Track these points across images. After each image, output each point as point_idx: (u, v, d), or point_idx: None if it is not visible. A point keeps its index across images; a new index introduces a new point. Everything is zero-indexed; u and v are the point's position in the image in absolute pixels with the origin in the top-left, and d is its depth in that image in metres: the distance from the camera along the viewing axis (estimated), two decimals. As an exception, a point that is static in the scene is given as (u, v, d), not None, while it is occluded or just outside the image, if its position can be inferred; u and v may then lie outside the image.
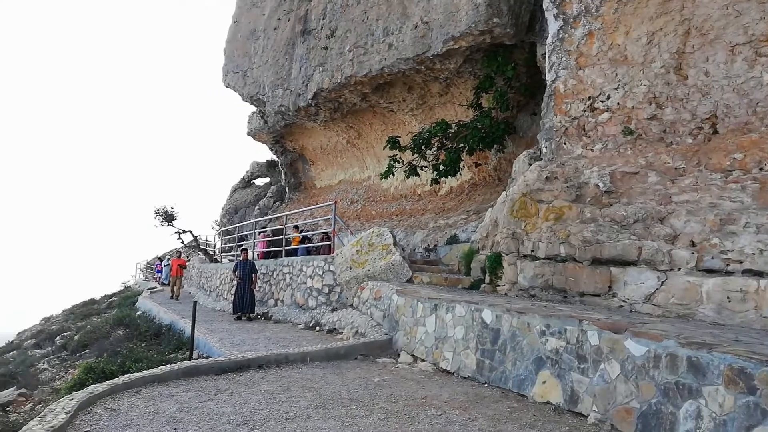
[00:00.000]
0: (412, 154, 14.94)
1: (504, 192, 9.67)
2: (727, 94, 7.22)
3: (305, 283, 11.39)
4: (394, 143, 15.16)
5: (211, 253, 23.87)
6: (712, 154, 7.20)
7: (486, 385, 5.93)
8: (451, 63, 14.43)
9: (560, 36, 9.24)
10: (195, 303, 9.12)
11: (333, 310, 10.26)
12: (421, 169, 15.19)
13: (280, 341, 9.00)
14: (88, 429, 4.61)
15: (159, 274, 27.55)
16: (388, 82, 16.96)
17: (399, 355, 7.56)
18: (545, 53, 10.16)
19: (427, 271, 10.48)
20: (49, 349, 16.15)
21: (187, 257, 23.54)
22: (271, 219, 22.10)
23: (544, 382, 5.22)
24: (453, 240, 13.25)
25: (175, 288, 18.94)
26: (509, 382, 5.65)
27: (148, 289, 22.87)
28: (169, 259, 26.56)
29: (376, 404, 5.30)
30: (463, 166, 15.25)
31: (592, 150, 8.65)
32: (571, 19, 9.05)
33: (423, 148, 14.71)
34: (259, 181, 36.05)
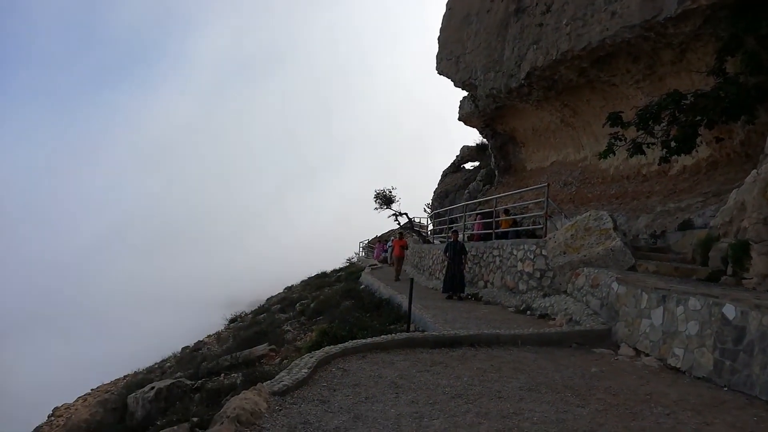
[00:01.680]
0: (637, 131, 13.54)
1: (755, 170, 8.26)
2: None
3: (515, 266, 11.27)
4: (615, 119, 13.89)
5: (424, 234, 25.00)
6: None
7: (725, 389, 5.23)
8: (687, 26, 12.69)
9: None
10: (412, 280, 9.72)
11: (545, 295, 9.98)
12: (648, 147, 13.67)
13: (490, 322, 9.09)
14: (325, 384, 5.30)
15: (385, 254, 27.90)
16: (609, 54, 15.65)
17: (618, 346, 7.08)
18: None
19: (653, 259, 9.48)
20: (291, 313, 18.76)
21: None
22: (480, 201, 22.19)
23: (806, 393, 4.40)
24: (686, 225, 11.73)
25: (398, 268, 18.35)
26: (756, 388, 4.89)
27: (370, 266, 24.91)
28: (392, 239, 27.69)
29: (593, 395, 5.08)
30: (701, 142, 13.33)
31: None
32: None
33: (650, 123, 13.20)
34: (469, 166, 36.51)
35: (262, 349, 11.65)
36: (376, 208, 23.64)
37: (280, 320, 17.27)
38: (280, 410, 4.54)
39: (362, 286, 18.03)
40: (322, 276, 29.52)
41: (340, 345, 6.71)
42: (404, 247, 18.87)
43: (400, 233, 21.30)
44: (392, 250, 24.26)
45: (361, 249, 41.15)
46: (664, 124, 13.27)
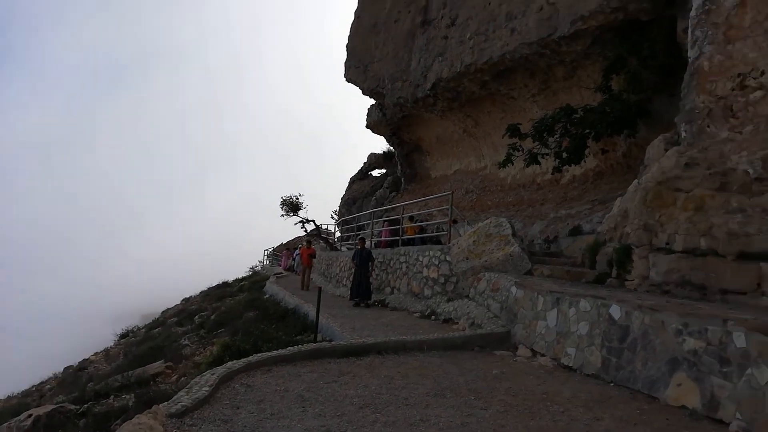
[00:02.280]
0: (533, 142, 14.38)
1: (636, 180, 8.99)
2: None
3: (421, 272, 11.47)
4: (514, 131, 14.68)
5: (331, 241, 24.89)
6: None
7: (612, 385, 5.58)
8: (579, 44, 13.66)
9: (706, 8, 8.36)
10: (320, 289, 9.58)
11: (449, 300, 10.23)
12: (542, 157, 14.59)
13: (397, 328, 9.16)
14: (228, 402, 5.03)
15: (292, 262, 26.98)
16: (508, 69, 16.48)
17: (517, 348, 7.37)
18: (687, 28, 9.25)
19: (547, 264, 10.06)
20: (189, 327, 17.82)
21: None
22: (387, 209, 22.50)
23: (680, 384, 4.80)
24: (576, 231, 12.58)
25: (306, 277, 17.61)
26: (638, 382, 5.26)
27: (275, 274, 24.36)
28: (299, 248, 27.05)
29: (495, 396, 5.22)
30: (589, 153, 14.40)
31: (740, 133, 7.73)
32: (719, -12, 8.14)
33: (545, 135, 14.10)
34: (376, 173, 36.94)
35: (157, 366, 10.91)
36: (282, 215, 23.25)
37: (178, 334, 16.36)
38: (178, 433, 4.24)
39: (267, 296, 17.59)
40: (224, 286, 28.47)
41: (243, 359, 6.43)
42: (312, 255, 18.45)
43: (308, 241, 20.77)
44: (300, 259, 23.90)
45: (265, 257, 40.23)
46: (557, 136, 14.20)
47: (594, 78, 14.51)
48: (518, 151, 14.63)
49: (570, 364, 6.31)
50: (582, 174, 16.32)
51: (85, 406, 9.33)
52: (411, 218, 16.13)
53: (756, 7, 7.75)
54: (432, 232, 15.44)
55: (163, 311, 28.90)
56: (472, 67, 17.25)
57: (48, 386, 18.71)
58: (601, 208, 12.97)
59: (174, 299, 33.19)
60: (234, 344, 8.79)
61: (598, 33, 13.18)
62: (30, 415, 8.90)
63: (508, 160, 14.76)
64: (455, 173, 24.68)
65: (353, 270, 13.15)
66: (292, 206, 22.91)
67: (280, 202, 23.07)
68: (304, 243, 21.19)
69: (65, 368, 21.57)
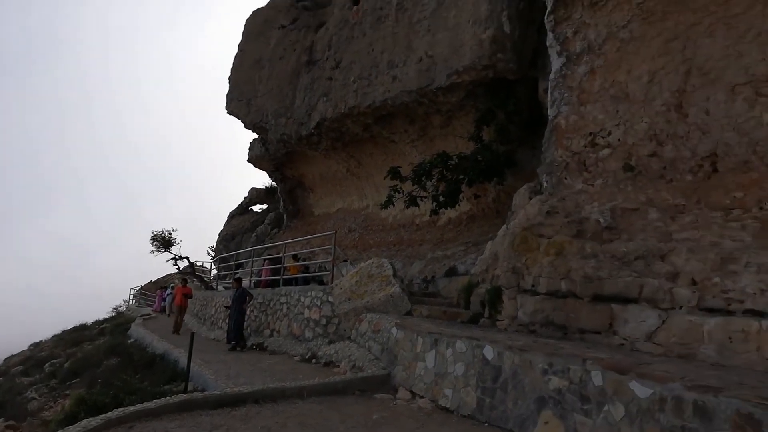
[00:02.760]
0: (412, 185, 15.00)
1: (504, 225, 9.67)
2: (727, 133, 7.27)
3: (302, 313, 11.27)
4: (395, 173, 15.24)
5: (207, 280, 23.70)
6: (712, 192, 7.22)
7: (486, 425, 5.81)
8: (454, 96, 14.60)
9: (563, 72, 9.36)
10: (192, 334, 9.00)
11: (330, 342, 10.12)
12: (421, 200, 15.23)
13: (277, 374, 8.85)
14: (79, 465, 4.50)
15: (164, 303, 25.10)
16: (390, 114, 17.13)
17: (397, 390, 7.44)
18: (547, 89, 10.26)
19: (426, 304, 10.38)
20: (38, 376, 15.81)
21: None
22: (268, 247, 21.99)
23: (547, 422, 5.12)
24: (452, 272, 13.18)
25: (179, 320, 16.43)
26: (510, 421, 5.54)
27: (142, 315, 22.57)
28: (172, 287, 25.32)
29: (375, 443, 5.19)
30: (463, 198, 15.29)
31: (592, 185, 8.67)
32: (574, 56, 9.18)
33: (423, 178, 14.79)
34: (258, 208, 36.10)
35: (-5, 425, 9.50)
36: (152, 252, 21.75)
37: (23, 385, 14.44)
38: None
39: (132, 340, 16.19)
40: (81, 329, 25.79)
41: (101, 416, 5.80)
42: (188, 295, 17.13)
43: (184, 279, 19.49)
44: (172, 299, 22.36)
45: (132, 296, 37.20)
46: (434, 180, 14.95)
47: (467, 128, 15.55)
48: (399, 192, 15.17)
49: (447, 406, 6.48)
50: (457, 217, 17.22)
51: None
52: (294, 257, 15.89)
53: (603, 75, 8.84)
54: (315, 271, 15.30)
55: (5, 358, 25.36)
56: (355, 110, 17.70)
57: None
58: (474, 249, 13.74)
59: (20, 344, 29.32)
60: (91, 397, 7.90)
61: (471, 87, 14.21)
62: None
63: (389, 202, 15.22)
64: (338, 211, 24.85)
65: (229, 311, 12.59)
66: (164, 242, 21.53)
67: (150, 238, 21.59)
68: (179, 281, 19.85)
69: None
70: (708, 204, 7.13)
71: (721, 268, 6.25)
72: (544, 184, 9.52)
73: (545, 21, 9.76)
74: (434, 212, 15.52)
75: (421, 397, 6.97)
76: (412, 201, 15.05)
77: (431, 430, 5.68)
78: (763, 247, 6.17)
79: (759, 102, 6.95)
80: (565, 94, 9.38)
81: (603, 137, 8.68)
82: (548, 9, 9.57)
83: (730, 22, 7.26)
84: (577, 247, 7.85)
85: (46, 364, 16.83)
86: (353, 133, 19.25)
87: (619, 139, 8.43)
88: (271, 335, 12.23)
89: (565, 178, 9.12)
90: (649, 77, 8.18)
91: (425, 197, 15.07)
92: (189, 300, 17.44)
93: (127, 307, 33.61)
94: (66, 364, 14.92)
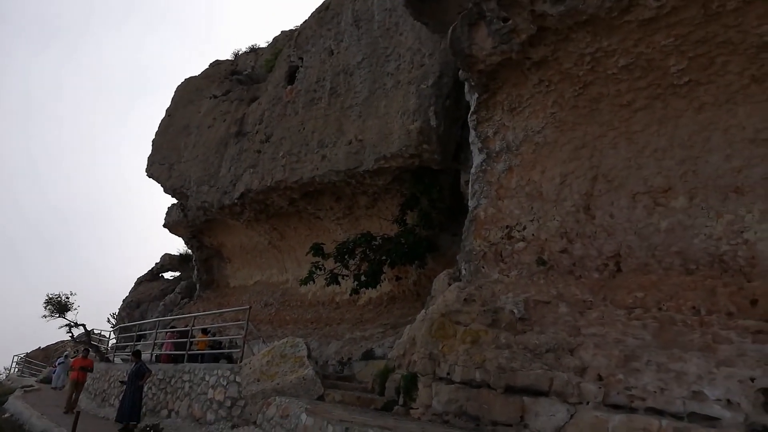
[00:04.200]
0: (335, 262, 14.92)
1: (423, 310, 9.71)
2: (630, 236, 7.86)
3: (206, 393, 10.51)
4: (317, 250, 15.14)
5: (104, 350, 21.81)
6: (617, 291, 7.67)
7: None
8: (381, 180, 14.98)
9: (483, 168, 9.90)
10: (78, 413, 8.09)
11: (233, 426, 9.44)
12: (342, 278, 15.11)
13: (170, 461, 8.07)
14: None
15: (53, 374, 22.36)
16: (317, 190, 17.23)
17: (304, 483, 6.96)
18: (468, 181, 10.77)
19: (340, 388, 10.01)
20: None
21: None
22: (175, 318, 20.72)
23: None
24: (368, 355, 12.92)
25: (73, 397, 14.39)
26: None
27: (23, 387, 20.17)
28: (65, 357, 22.66)
29: None
30: (384, 279, 15.33)
31: (508, 276, 8.98)
32: (494, 154, 9.77)
33: (346, 257, 14.76)
34: (169, 275, 34.31)
35: None
36: (45, 316, 19.82)
37: None
38: None
39: (7, 415, 14.32)
40: (-52, 400, 22.56)
41: None
42: (87, 368, 15.17)
43: (86, 349, 17.30)
44: (62, 369, 20.23)
45: (14, 364, 33.37)
46: (356, 259, 14.96)
47: (392, 210, 15.89)
48: (320, 269, 15.00)
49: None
50: (377, 297, 17.16)
51: None
52: (204, 330, 15.02)
53: (519, 173, 9.43)
54: (226, 347, 14.49)
55: None
56: (282, 184, 17.67)
57: None
58: (392, 332, 13.62)
59: None
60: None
61: (397, 172, 14.68)
62: None
63: (309, 278, 14.98)
64: (255, 284, 24.09)
65: (125, 387, 11.53)
66: (59, 306, 19.72)
67: (44, 301, 19.73)
68: (79, 352, 17.60)
69: None
70: (613, 301, 7.55)
71: (624, 365, 6.54)
72: (463, 272, 9.76)
73: (468, 119, 10.41)
74: (355, 291, 15.39)
75: (328, 491, 6.54)
76: (333, 279, 14.90)
77: None
78: (663, 346, 6.55)
79: (656, 210, 7.63)
80: (485, 188, 9.87)
81: (519, 231, 9.12)
82: (472, 109, 10.26)
83: (632, 137, 8.07)
84: (492, 336, 7.98)
85: None
86: (278, 206, 19.11)
87: (533, 234, 8.89)
88: (169, 416, 11.25)
89: (483, 267, 9.41)
90: (561, 179, 8.82)
91: (347, 275, 14.98)
92: (89, 374, 15.38)
93: (7, 376, 29.94)
94: None
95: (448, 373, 8.11)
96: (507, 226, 9.30)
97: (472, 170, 10.25)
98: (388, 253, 14.36)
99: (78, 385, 14.66)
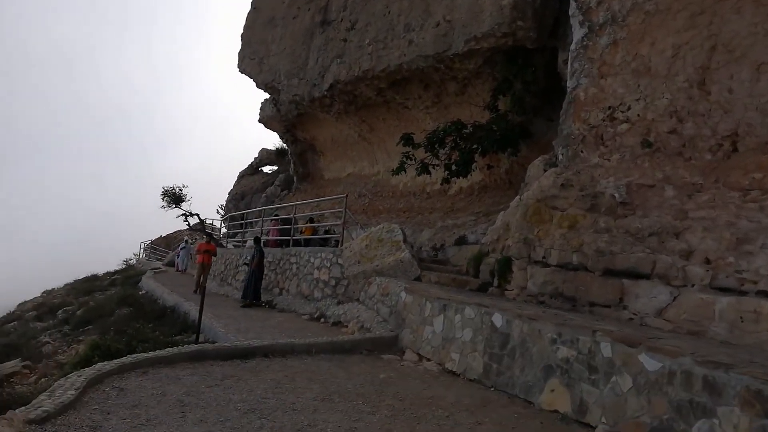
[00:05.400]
0: (425, 152, 14.90)
1: (517, 196, 9.64)
2: (750, 113, 7.13)
3: (312, 274, 11.39)
4: (407, 140, 15.12)
5: (216, 237, 23.87)
6: (731, 172, 7.14)
7: (492, 389, 5.93)
8: (471, 63, 14.36)
9: (584, 43, 9.17)
10: (204, 288, 9.15)
11: (339, 303, 10.26)
12: (433, 168, 15.15)
13: (285, 331, 9.01)
14: (97, 407, 4.63)
15: (178, 260, 24.14)
16: (405, 78, 16.90)
17: (404, 352, 7.57)
18: (567, 59, 10.08)
19: (435, 271, 10.45)
20: (51, 322, 16.15)
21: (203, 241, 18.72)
22: (278, 207, 22.05)
23: (553, 390, 5.21)
24: (461, 241, 13.21)
25: (202, 279, 14.97)
26: (516, 387, 5.64)
27: (152, 269, 22.84)
28: (185, 242, 24.28)
29: (383, 401, 5.31)
30: (475, 168, 15.19)
31: (608, 160, 8.59)
32: (597, 27, 8.97)
33: (436, 146, 14.66)
34: (268, 169, 36.09)
35: (12, 365, 9.74)
36: (162, 207, 21.87)
37: (37, 330, 14.78)
38: (38, 443, 3.83)
39: (143, 292, 16.43)
40: (93, 279, 26.16)
41: (116, 360, 5.96)
42: (211, 252, 15.67)
43: (209, 235, 18.83)
44: (184, 254, 22.44)
45: (142, 250, 37.61)
46: (447, 148, 14.83)
47: (483, 96, 15.34)
48: (411, 159, 15.08)
49: (454, 369, 6.59)
50: (468, 186, 17.16)
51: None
52: (311, 219, 15.97)
53: (625, 48, 8.65)
54: (322, 234, 15.38)
55: (19, 304, 25.87)
56: (369, 73, 17.46)
57: None
58: (484, 220, 13.73)
59: (33, 291, 29.86)
60: (105, 343, 8.09)
61: (489, 54, 13.96)
62: None
63: (401, 168, 15.14)
64: (348, 176, 24.81)
65: (247, 269, 12.67)
66: (174, 198, 21.62)
67: (161, 193, 21.69)
68: (203, 237, 19.15)
69: None
70: (726, 183, 7.06)
71: (736, 248, 6.24)
72: (560, 157, 9.45)
73: (569, -11, 9.51)
74: (446, 181, 15.45)
75: (428, 359, 7.09)
76: (423, 168, 14.97)
77: (438, 391, 5.79)
78: (780, 228, 6.15)
79: (786, 82, 6.80)
80: (586, 66, 9.21)
81: (622, 111, 8.55)
82: (574, -24, 9.33)
83: (760, -1, 7.05)
84: (591, 221, 7.84)
85: (59, 311, 17.15)
86: (366, 97, 19.05)
87: (638, 114, 8.30)
88: (281, 294, 12.41)
89: (582, 152, 9.04)
90: (673, 52, 8.00)
91: (437, 165, 14.99)
92: (214, 258, 16.10)
93: (137, 261, 33.97)
94: (78, 312, 15.20)
95: (543, 257, 8.18)
96: (609, 107, 8.73)
97: (572, 47, 9.53)
98: (479, 141, 14.09)
99: (205, 267, 15.29)
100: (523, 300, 8.24)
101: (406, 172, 15.67)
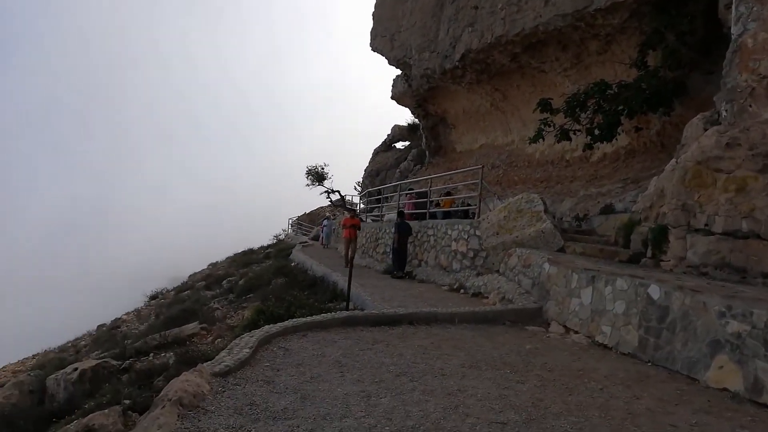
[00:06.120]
0: (565, 117, 14.14)
1: (673, 159, 8.84)
2: None
3: (449, 246, 11.51)
4: (545, 105, 14.44)
5: (356, 212, 24.94)
6: None
7: (649, 364, 5.61)
8: (615, 18, 13.31)
9: (755, -18, 8.06)
10: (352, 259, 9.69)
11: (478, 274, 10.28)
12: (573, 134, 14.36)
13: (426, 300, 9.25)
14: (268, 364, 5.18)
15: (321, 234, 24.89)
16: (540, 41, 16.16)
17: (549, 324, 7.42)
18: (729, 3, 8.96)
19: (579, 241, 10.00)
20: (218, 291, 18.17)
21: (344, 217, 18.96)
22: (411, 182, 22.43)
23: (721, 367, 4.81)
24: (608, 210, 12.45)
25: (350, 253, 14.57)
26: (678, 363, 5.28)
27: (300, 243, 24.54)
28: (327, 218, 25.27)
29: (531, 371, 5.29)
30: (621, 131, 14.13)
31: (786, 113, 7.54)
32: (770, -39, 7.83)
33: (577, 110, 13.83)
34: (400, 145, 36.78)
35: (192, 327, 11.22)
36: (307, 185, 23.35)
37: (207, 298, 16.72)
38: (224, 391, 4.39)
39: (294, 264, 17.77)
40: (249, 252, 28.82)
41: (279, 324, 6.58)
42: (357, 227, 15.63)
43: (353, 210, 18.78)
44: (327, 230, 23.61)
45: (289, 226, 40.54)
46: (589, 112, 13.92)
47: (629, 53, 14.16)
48: (549, 126, 14.41)
49: (605, 342, 6.34)
50: (613, 152, 16.07)
51: (127, 362, 9.69)
52: (448, 193, 16.13)
53: (809, -18, 7.46)
54: (458, 206, 15.40)
55: (190, 275, 29.38)
56: (502, 39, 16.93)
57: (83, 342, 19.38)
58: (633, 186, 12.81)
59: (200, 264, 33.72)
60: (268, 309, 8.98)
61: (635, 6, 12.83)
62: (76, 369, 9.30)
63: (538, 135, 14.54)
64: (481, 147, 24.47)
65: (393, 241, 13.08)
66: (317, 176, 22.97)
67: (305, 172, 23.16)
68: (334, 215, 19.90)
69: (98, 326, 22.30)
70: None
71: None
72: (723, 113, 8.47)
73: None
74: (588, 147, 14.59)
75: (576, 332, 6.88)
76: (563, 135, 14.24)
77: (589, 364, 5.62)
78: None
79: None
80: (754, 8, 8.12)
81: (804, 57, 7.43)
82: None
83: None
84: (763, 183, 6.98)
85: (224, 281, 19.27)
86: (499, 64, 18.53)
87: (824, 58, 7.16)
88: (419, 265, 12.72)
89: (750, 106, 8.03)
90: None
91: (578, 131, 14.18)
92: (359, 231, 15.94)
93: (286, 236, 36.69)
94: (240, 282, 16.94)
95: (705, 224, 7.45)
96: (787, 53, 7.63)
97: (739, -13, 8.42)
98: (625, 102, 13.05)
99: (351, 242, 15.18)
100: (681, 271, 7.61)
101: (544, 139, 15.05)
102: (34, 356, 20.38)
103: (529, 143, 15.88)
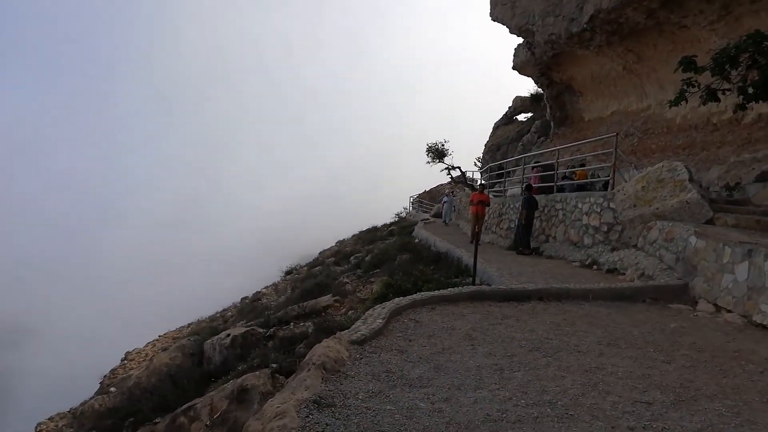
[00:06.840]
0: (712, 76, 12.68)
1: None
2: None
3: (580, 220, 10.99)
4: (688, 64, 13.03)
5: (485, 186, 24.62)
6: None
7: (822, 348, 5.00)
8: (774, -43, 11.65)
9: None
10: (478, 233, 9.63)
11: (612, 249, 9.72)
12: (722, 94, 12.85)
13: (556, 276, 8.96)
14: (400, 335, 5.37)
15: (441, 210, 24.99)
16: (682, -7, 14.63)
17: (696, 302, 6.86)
18: None
19: (731, 213, 9.00)
20: (346, 266, 19.00)
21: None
22: (535, 155, 21.59)
23: None
24: (765, 177, 11.08)
25: (477, 229, 14.23)
26: None
27: (422, 220, 24.78)
28: (447, 195, 25.13)
29: (677, 351, 4.95)
30: (782, 88, 12.41)
31: None
32: None
33: (727, 67, 12.32)
34: (522, 117, 35.48)
35: (326, 299, 11.96)
36: (428, 162, 23.45)
37: (337, 273, 17.57)
38: (361, 359, 4.63)
39: (417, 240, 18.03)
40: (373, 230, 29.67)
41: (408, 297, 6.76)
42: (485, 203, 14.97)
43: (482, 185, 18.04)
44: (449, 206, 23.53)
45: (410, 204, 41.08)
46: (741, 68, 12.36)
47: (793, -4, 12.34)
48: (693, 87, 13.02)
49: (764, 323, 5.74)
50: (771, 111, 14.22)
51: (271, 330, 10.65)
52: (582, 164, 15.39)
53: None
54: (590, 178, 14.60)
55: (320, 252, 31.01)
56: (638, -6, 15.58)
57: (229, 313, 21.45)
58: (797, 150, 11.28)
59: (328, 241, 35.46)
60: (396, 282, 9.27)
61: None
62: (228, 335, 10.45)
63: (681, 98, 13.16)
64: (612, 115, 22.86)
65: (519, 216, 12.77)
66: (437, 153, 22.99)
67: (426, 149, 23.26)
68: (477, 187, 18.36)
69: (242, 298, 24.50)
70: None
71: None
72: None
73: None
74: (741, 108, 12.94)
75: (729, 311, 6.30)
76: (711, 95, 12.74)
77: (745, 345, 5.14)
78: None
79: None
80: None
81: None
82: None
83: None
84: None
85: (351, 257, 20.12)
86: (633, 22, 17.08)
87: None
88: (547, 240, 12.30)
89: None
90: None
91: (728, 90, 12.66)
92: (487, 208, 15.40)
93: (407, 214, 37.26)
94: (367, 258, 17.57)
95: None
96: None
97: None
98: (788, 54, 11.40)
99: (479, 218, 14.66)
100: None
101: (687, 102, 13.63)
102: (188, 325, 22.94)
103: (669, 107, 14.46)
